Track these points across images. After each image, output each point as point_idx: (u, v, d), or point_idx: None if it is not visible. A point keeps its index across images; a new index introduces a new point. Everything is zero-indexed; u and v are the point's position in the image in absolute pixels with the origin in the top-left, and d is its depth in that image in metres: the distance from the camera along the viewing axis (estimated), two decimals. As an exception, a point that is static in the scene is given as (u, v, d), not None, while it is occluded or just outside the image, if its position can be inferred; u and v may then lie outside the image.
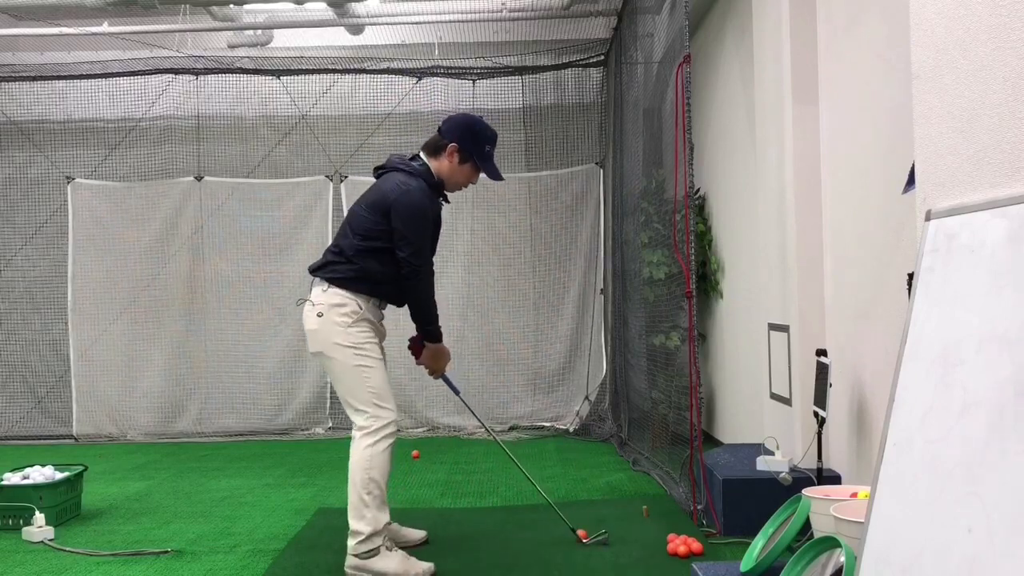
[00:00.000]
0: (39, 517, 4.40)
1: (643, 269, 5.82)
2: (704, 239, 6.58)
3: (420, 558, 3.78)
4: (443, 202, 4.00)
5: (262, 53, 8.06)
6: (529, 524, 4.44)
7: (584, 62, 7.93)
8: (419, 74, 7.90)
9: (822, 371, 3.88)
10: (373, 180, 4.01)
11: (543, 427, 7.64)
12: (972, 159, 1.94)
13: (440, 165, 3.90)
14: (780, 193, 4.52)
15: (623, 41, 6.83)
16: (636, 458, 5.88)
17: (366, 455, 3.66)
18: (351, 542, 3.65)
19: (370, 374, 3.72)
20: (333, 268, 3.79)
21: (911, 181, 2.65)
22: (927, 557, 1.81)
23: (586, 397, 7.74)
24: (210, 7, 6.91)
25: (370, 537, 3.62)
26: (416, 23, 7.37)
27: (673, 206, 4.71)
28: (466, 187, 4.06)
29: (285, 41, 8.09)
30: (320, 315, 3.72)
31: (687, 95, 4.24)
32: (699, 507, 4.22)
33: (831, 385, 3.81)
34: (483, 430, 4.68)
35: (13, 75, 8.03)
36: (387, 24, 7.40)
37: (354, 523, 3.65)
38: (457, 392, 4.23)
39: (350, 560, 3.65)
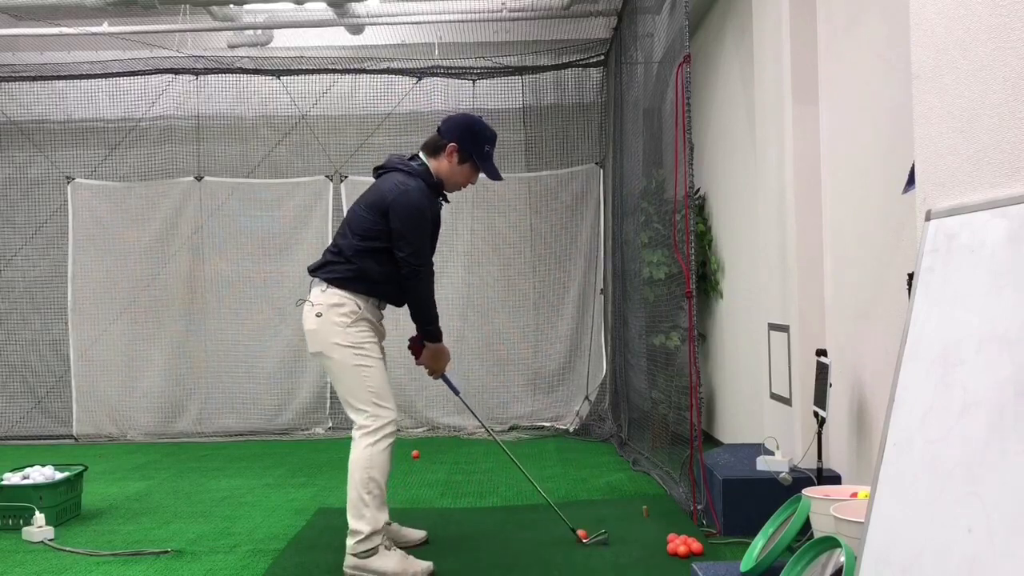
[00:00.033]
0: (39, 517, 4.40)
1: (643, 269, 5.82)
2: (704, 239, 6.58)
3: (420, 558, 3.78)
4: (443, 202, 4.00)
5: (262, 53, 8.06)
6: (529, 524, 4.44)
7: (584, 62, 7.93)
8: (419, 74, 7.90)
9: (822, 371, 3.88)
10: (373, 180, 4.01)
11: (543, 427, 7.64)
12: (972, 159, 1.94)
13: (439, 165, 3.90)
14: (780, 193, 4.52)
15: (623, 41, 6.83)
16: (636, 458, 5.88)
17: (366, 454, 3.66)
18: (350, 541, 3.65)
19: (370, 374, 3.72)
20: (332, 268, 3.79)
21: (911, 181, 2.65)
22: (927, 557, 1.81)
23: (586, 397, 7.74)
24: (210, 7, 6.91)
25: (369, 536, 3.62)
26: (416, 23, 7.37)
27: (673, 206, 4.71)
28: (465, 187, 4.05)
29: (285, 41, 8.09)
30: (319, 315, 3.73)
31: (687, 95, 4.24)
32: (699, 507, 4.22)
33: (831, 385, 3.81)
34: (483, 430, 4.68)
35: (13, 75, 8.03)
36: (387, 24, 7.40)
37: (353, 522, 3.65)
38: (457, 392, 4.23)
39: (349, 559, 3.65)
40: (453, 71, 7.91)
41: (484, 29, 7.59)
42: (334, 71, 7.94)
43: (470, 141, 3.90)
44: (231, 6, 6.98)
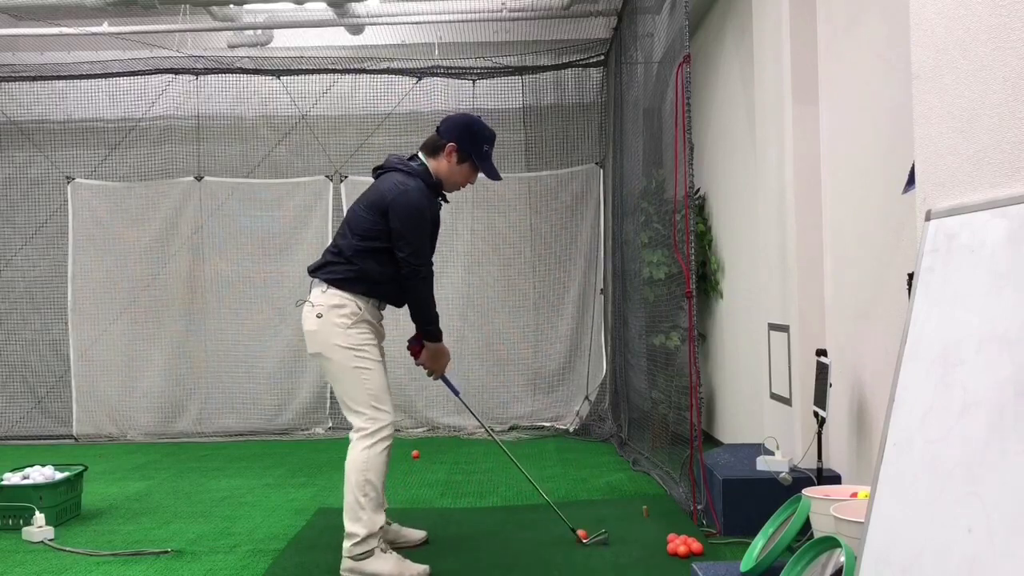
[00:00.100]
0: (39, 517, 4.40)
1: (643, 269, 5.82)
2: (704, 239, 6.58)
3: (420, 558, 3.78)
4: (442, 202, 4.00)
5: (262, 53, 8.06)
6: (529, 524, 4.44)
7: (584, 62, 7.93)
8: (419, 74, 7.90)
9: (822, 371, 3.88)
10: (372, 180, 4.01)
11: (543, 427, 7.64)
12: (972, 159, 1.94)
13: (439, 165, 3.90)
14: (780, 193, 4.52)
15: (623, 41, 6.83)
16: (636, 458, 5.88)
17: (362, 457, 3.66)
18: (346, 544, 3.64)
19: (369, 376, 3.71)
20: (332, 269, 3.79)
21: (911, 181, 2.64)
22: (927, 557, 1.81)
23: (586, 397, 7.74)
24: (210, 7, 6.91)
25: (365, 539, 3.62)
26: (416, 23, 7.37)
27: (673, 206, 4.71)
28: (464, 187, 4.05)
29: (285, 41, 8.09)
30: (319, 316, 3.72)
31: (687, 95, 4.24)
32: (699, 507, 4.22)
33: (831, 385, 3.81)
34: (483, 430, 4.67)
35: (13, 75, 8.03)
36: (387, 24, 7.40)
37: (350, 525, 3.65)
38: (456, 393, 4.22)
39: (345, 562, 3.65)
40: (453, 71, 7.91)
41: (484, 29, 7.60)
42: (334, 71, 7.94)
43: (469, 141, 3.90)
44: (231, 6, 6.98)
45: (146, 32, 7.42)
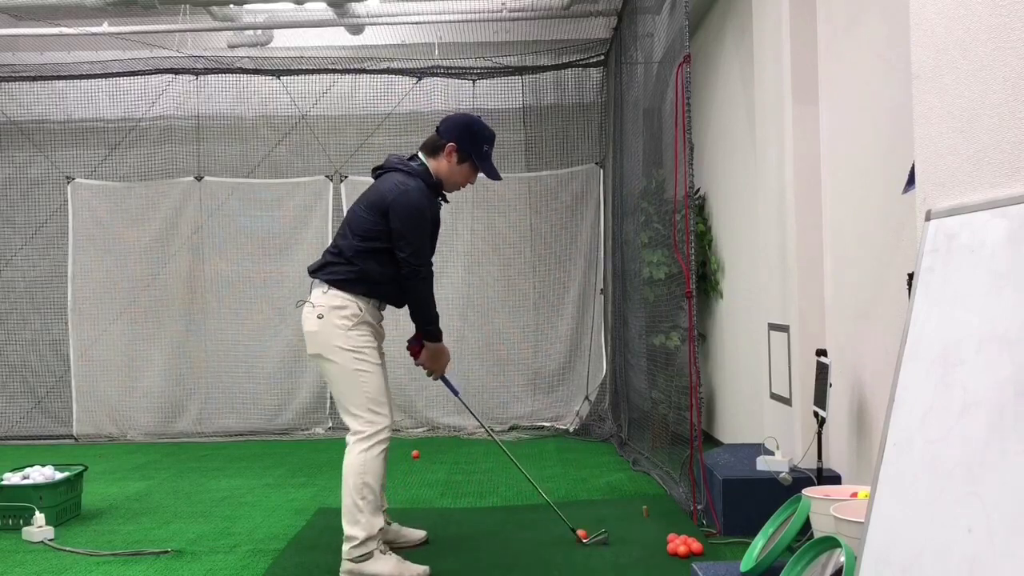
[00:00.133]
0: (39, 517, 4.40)
1: (643, 269, 5.82)
2: (704, 239, 6.58)
3: (420, 558, 3.78)
4: (442, 202, 4.00)
5: (262, 53, 8.06)
6: (529, 524, 4.44)
7: (584, 62, 7.93)
8: (419, 74, 7.91)
9: (822, 371, 3.88)
10: (372, 180, 4.01)
11: (543, 427, 7.64)
12: (972, 159, 1.94)
13: (439, 165, 3.90)
14: (780, 193, 4.52)
15: (623, 41, 6.83)
16: (636, 458, 5.88)
17: (360, 460, 3.66)
18: (346, 547, 3.64)
19: (367, 379, 3.71)
20: (333, 269, 3.78)
21: (911, 181, 2.65)
22: (927, 557, 1.81)
23: (586, 397, 7.74)
24: (210, 7, 6.91)
25: (364, 542, 3.62)
26: (416, 23, 7.37)
27: (673, 206, 4.71)
28: (464, 187, 4.05)
29: (285, 41, 8.09)
30: (320, 317, 3.72)
31: (687, 95, 4.24)
32: (699, 507, 4.22)
33: (831, 385, 3.81)
34: (483, 430, 4.67)
35: (13, 75, 8.03)
36: (387, 24, 7.40)
37: (348, 528, 3.64)
38: (456, 393, 4.22)
39: (345, 564, 3.64)
40: (453, 71, 7.91)
41: (484, 29, 7.60)
42: (334, 71, 7.94)
43: (469, 141, 3.90)
44: (231, 6, 6.98)
45: (146, 32, 7.42)
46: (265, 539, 4.34)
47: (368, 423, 3.69)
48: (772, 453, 4.19)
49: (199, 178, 7.97)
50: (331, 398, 7.67)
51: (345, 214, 4.37)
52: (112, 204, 7.98)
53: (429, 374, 4.08)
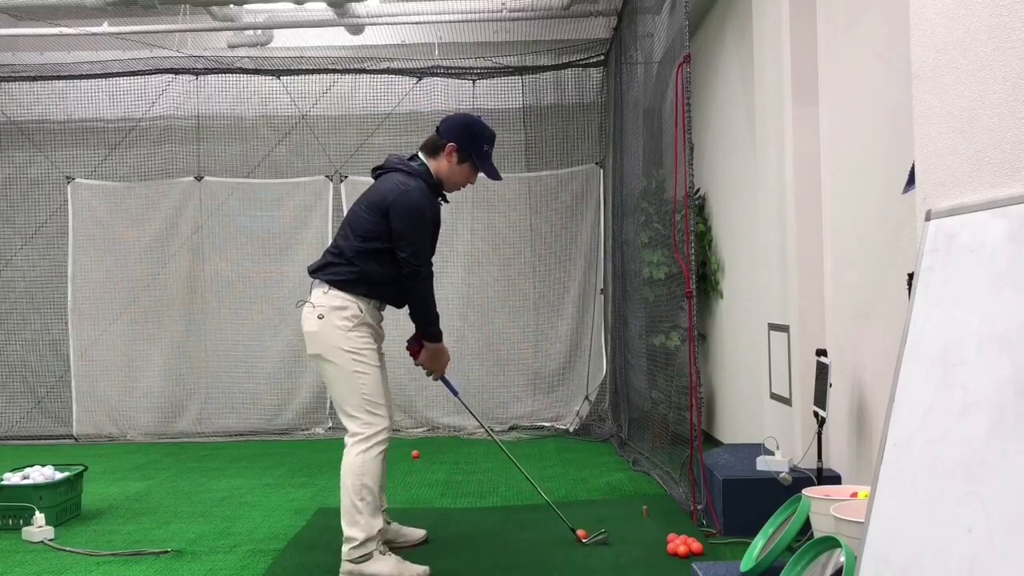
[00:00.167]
0: (39, 517, 4.40)
1: (643, 269, 5.82)
2: (704, 239, 6.58)
3: (420, 558, 3.78)
4: (442, 202, 4.00)
5: (262, 53, 8.06)
6: (529, 524, 4.44)
7: (584, 62, 7.93)
8: (419, 74, 7.91)
9: (822, 371, 3.88)
10: (372, 180, 4.00)
11: (543, 427, 7.64)
12: (972, 159, 1.94)
13: (439, 165, 3.90)
14: (780, 193, 4.52)
15: (623, 41, 6.83)
16: (636, 458, 5.88)
17: (358, 461, 3.66)
18: (345, 548, 3.64)
19: (366, 380, 3.70)
20: (334, 270, 3.78)
21: (911, 181, 2.64)
22: (927, 557, 1.81)
23: (586, 397, 7.74)
24: (210, 7, 6.91)
25: (364, 543, 3.62)
26: (416, 23, 7.37)
27: (673, 206, 4.71)
28: (465, 187, 4.05)
29: (285, 41, 8.09)
30: (321, 317, 3.71)
31: (687, 95, 4.24)
32: (699, 507, 4.22)
33: (831, 385, 3.81)
34: (483, 430, 4.67)
35: (13, 75, 8.03)
36: (387, 24, 7.40)
37: (347, 529, 3.64)
38: (456, 393, 4.22)
39: (344, 565, 3.65)
40: (453, 71, 7.91)
41: (484, 29, 7.59)
42: (334, 71, 7.94)
43: (469, 141, 3.89)
44: (231, 6, 6.98)
45: (146, 32, 7.42)
46: (265, 539, 4.34)
47: (366, 424, 3.69)
48: (772, 453, 4.19)
49: (199, 178, 7.97)
50: (331, 398, 7.66)
51: (345, 214, 4.36)
52: (112, 204, 7.98)
53: (429, 374, 4.08)
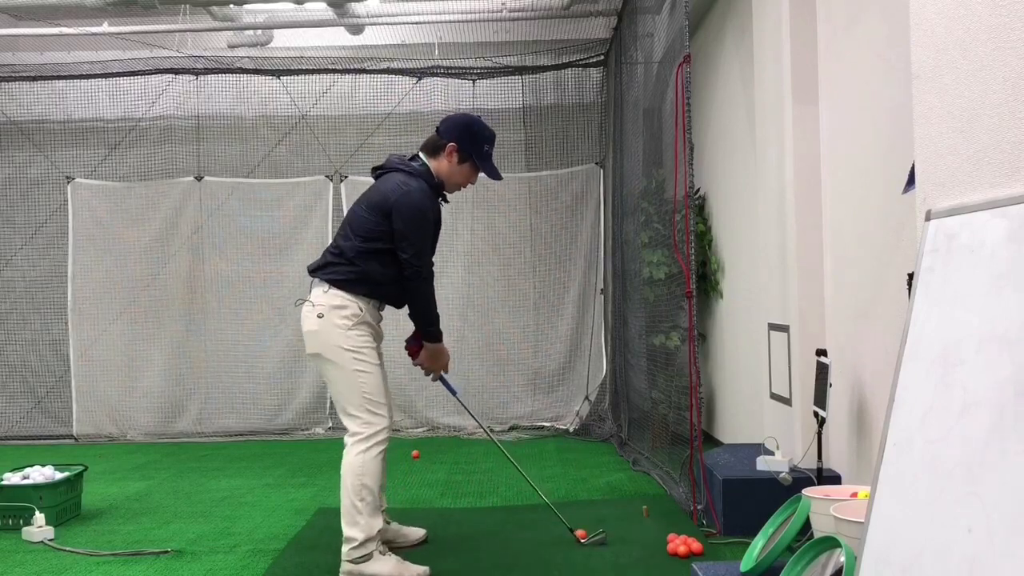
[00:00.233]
0: (39, 517, 4.40)
1: (643, 269, 5.82)
2: (704, 239, 6.58)
3: (420, 558, 3.78)
4: (443, 202, 4.00)
5: (262, 53, 8.06)
6: (529, 524, 4.44)
7: (584, 62, 7.93)
8: (419, 74, 7.91)
9: (822, 371, 3.88)
10: (372, 180, 4.00)
11: (543, 427, 7.64)
12: (972, 159, 1.94)
13: (439, 165, 3.90)
14: (780, 193, 4.52)
15: (623, 41, 6.83)
16: (636, 458, 5.88)
17: (358, 461, 3.66)
18: (345, 548, 3.64)
19: (366, 379, 3.70)
20: (334, 270, 3.77)
21: (911, 181, 2.64)
22: (927, 557, 1.81)
23: (586, 397, 7.74)
24: (210, 7, 6.91)
25: (363, 543, 3.61)
26: (416, 23, 7.37)
27: (673, 206, 4.71)
28: (465, 187, 4.05)
29: (285, 41, 8.09)
30: (320, 316, 3.71)
31: (687, 95, 4.24)
32: (699, 507, 4.22)
33: (831, 385, 3.81)
34: (483, 430, 4.68)
35: (13, 75, 8.03)
36: (387, 24, 7.40)
37: (347, 529, 3.64)
38: (454, 393, 4.22)
39: (344, 565, 3.64)
40: (453, 71, 7.91)
41: (484, 29, 7.59)
42: (334, 71, 7.94)
43: (469, 141, 3.89)
44: (231, 6, 6.98)
45: (146, 32, 7.42)
46: (265, 539, 4.34)
47: (366, 424, 3.69)
48: (772, 453, 4.19)
49: (199, 178, 7.97)
50: (331, 398, 7.66)
51: (345, 214, 4.36)
52: (112, 204, 7.98)
53: (427, 373, 4.08)
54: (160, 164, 8.02)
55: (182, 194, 7.96)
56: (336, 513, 3.77)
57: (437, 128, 3.95)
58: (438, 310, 3.94)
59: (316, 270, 3.83)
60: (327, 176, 7.91)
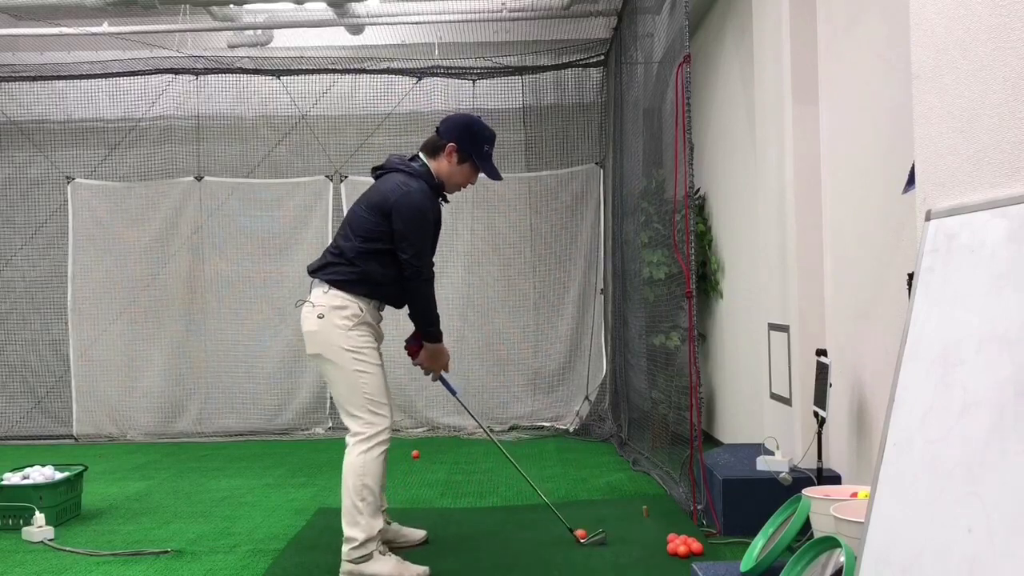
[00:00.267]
0: (39, 517, 4.40)
1: (643, 269, 5.82)
2: (704, 239, 6.58)
3: (420, 558, 3.78)
4: (443, 202, 4.00)
5: (262, 53, 8.06)
6: (529, 524, 4.44)
7: (584, 62, 7.94)
8: (419, 74, 7.91)
9: (822, 371, 3.88)
10: (372, 180, 4.00)
11: (543, 427, 7.64)
12: (972, 159, 1.94)
13: (439, 165, 3.89)
14: (780, 193, 4.52)
15: (623, 41, 6.83)
16: (636, 458, 5.88)
17: (359, 461, 3.65)
18: (345, 548, 3.64)
19: (367, 379, 3.70)
20: (334, 270, 3.77)
21: (911, 181, 2.65)
22: (927, 557, 1.81)
23: (586, 397, 7.74)
24: (210, 7, 6.91)
25: (364, 543, 3.61)
26: (416, 23, 7.37)
27: (673, 206, 4.71)
28: (465, 187, 4.05)
29: (285, 41, 8.09)
30: (321, 316, 3.71)
31: (687, 95, 4.24)
32: (699, 507, 4.22)
33: (831, 385, 3.81)
34: (482, 430, 4.68)
35: (13, 75, 8.03)
36: (387, 24, 7.40)
37: (348, 529, 3.64)
38: (454, 393, 4.22)
39: (344, 565, 3.64)
40: (453, 71, 7.91)
41: (484, 29, 7.59)
42: (334, 71, 7.94)
43: (469, 141, 3.89)
44: (231, 6, 6.98)
45: (146, 32, 7.42)
46: (265, 539, 4.34)
47: (368, 424, 3.69)
48: (772, 453, 4.19)
49: (199, 178, 7.97)
50: (331, 398, 7.66)
51: (345, 214, 4.36)
52: (112, 204, 7.98)
53: (427, 373, 4.08)
54: (160, 164, 8.02)
55: (182, 194, 7.96)
56: (336, 513, 3.77)
57: (437, 128, 3.95)
58: (438, 310, 3.94)
59: (316, 270, 3.82)
60: (327, 176, 7.91)
